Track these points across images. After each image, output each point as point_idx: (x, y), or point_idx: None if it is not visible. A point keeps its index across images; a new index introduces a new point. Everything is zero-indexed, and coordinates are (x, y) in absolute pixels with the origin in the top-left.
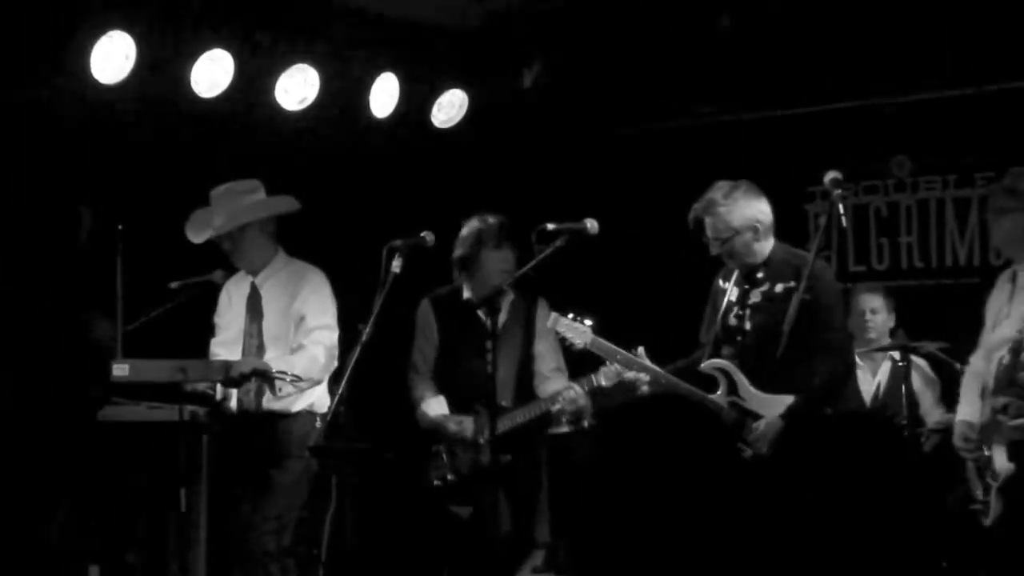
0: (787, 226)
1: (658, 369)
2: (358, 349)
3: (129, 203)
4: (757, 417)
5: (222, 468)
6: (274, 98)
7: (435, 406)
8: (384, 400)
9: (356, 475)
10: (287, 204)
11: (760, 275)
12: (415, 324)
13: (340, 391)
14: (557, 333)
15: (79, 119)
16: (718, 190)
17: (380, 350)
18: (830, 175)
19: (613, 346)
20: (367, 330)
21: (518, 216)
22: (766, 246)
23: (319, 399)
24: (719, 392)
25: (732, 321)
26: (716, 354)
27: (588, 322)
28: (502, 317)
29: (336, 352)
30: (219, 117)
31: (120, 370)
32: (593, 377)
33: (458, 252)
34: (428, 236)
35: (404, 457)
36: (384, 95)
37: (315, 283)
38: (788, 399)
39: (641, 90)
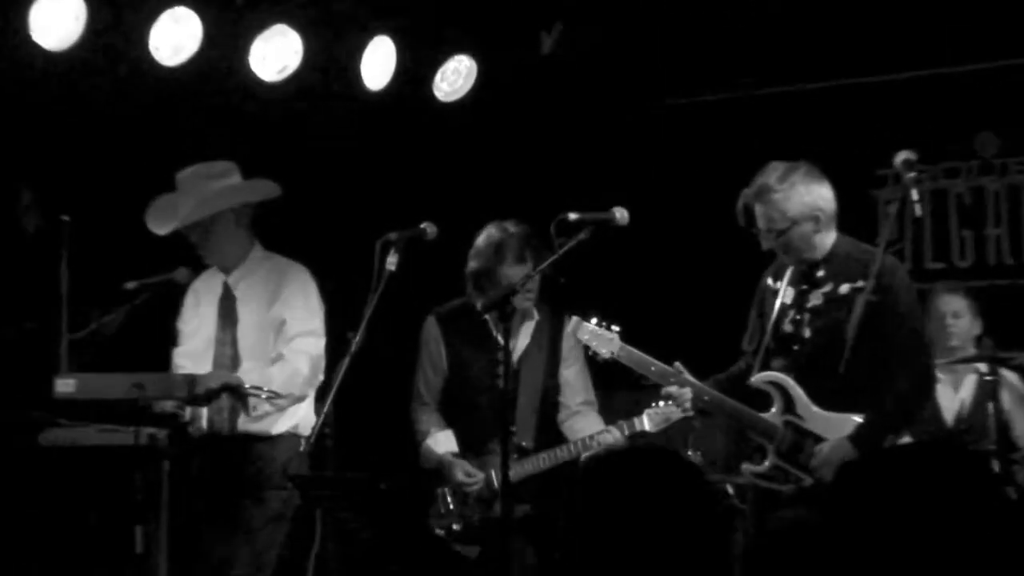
0: (852, 215)
1: (700, 384)
2: (347, 360)
3: (77, 190)
4: (818, 439)
5: (187, 501)
6: (249, 66)
7: (442, 441)
8: (378, 421)
9: (344, 509)
10: (266, 190)
11: (821, 273)
12: (419, 345)
13: (326, 410)
14: (579, 341)
15: (18, 91)
16: (772, 173)
17: (373, 361)
18: (902, 155)
19: (646, 356)
20: (357, 338)
21: (535, 205)
22: (827, 239)
23: (304, 419)
24: (773, 410)
25: (787, 327)
26: (767, 366)
27: (616, 328)
28: (523, 341)
29: (322, 363)
30: (184, 88)
31: (65, 386)
32: (636, 421)
33: (472, 265)
34: (429, 228)
35: (401, 488)
36: (378, 63)
37: (298, 282)
38: (855, 419)
39: (681, 58)
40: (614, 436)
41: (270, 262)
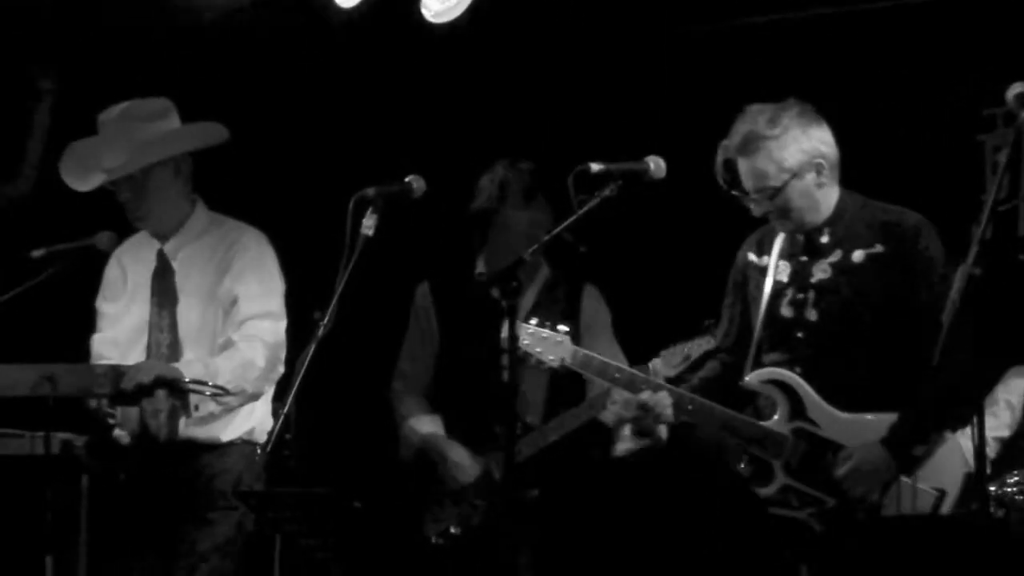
0: (951, 168)
1: (680, 389)
2: (312, 348)
3: None
4: (840, 449)
5: (112, 526)
6: None
7: (427, 423)
8: (351, 423)
9: (309, 534)
10: (212, 134)
11: (825, 239)
12: (409, 315)
13: (286, 410)
14: (519, 349)
15: None
16: (757, 117)
17: (345, 349)
18: (1017, 89)
19: (608, 360)
20: (326, 320)
21: (547, 152)
22: (831, 195)
23: (260, 422)
24: (776, 417)
25: (784, 311)
26: (759, 363)
27: (564, 329)
28: (529, 300)
29: (282, 352)
30: (111, 8)
31: None
32: (651, 366)
33: (474, 205)
34: (415, 182)
35: (379, 507)
36: None
37: (252, 251)
38: (886, 419)
39: None
40: (621, 395)
41: (217, 226)
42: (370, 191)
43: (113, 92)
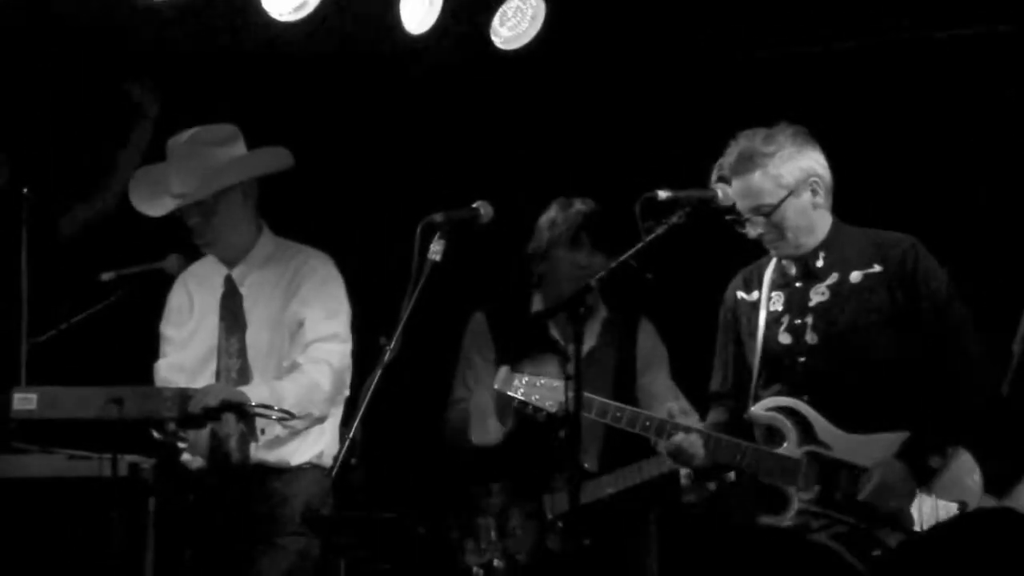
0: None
1: (702, 428)
2: (379, 372)
3: (39, 155)
4: (853, 468)
5: (180, 549)
6: (258, 1)
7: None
8: (416, 448)
9: (374, 558)
10: (279, 159)
11: (820, 263)
12: (462, 345)
13: (352, 434)
14: (513, 400)
15: None
16: (753, 137)
17: (411, 373)
18: None
19: (605, 401)
20: (392, 344)
21: (615, 179)
22: (825, 218)
23: (329, 446)
24: (787, 444)
25: (783, 338)
26: (760, 395)
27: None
28: (589, 342)
29: (348, 376)
30: (174, 28)
31: (24, 401)
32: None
33: (529, 247)
34: (483, 208)
35: (444, 533)
36: (421, 2)
37: (319, 274)
38: (896, 437)
39: None
40: (692, 439)
41: (283, 251)
42: (438, 217)
43: (180, 118)
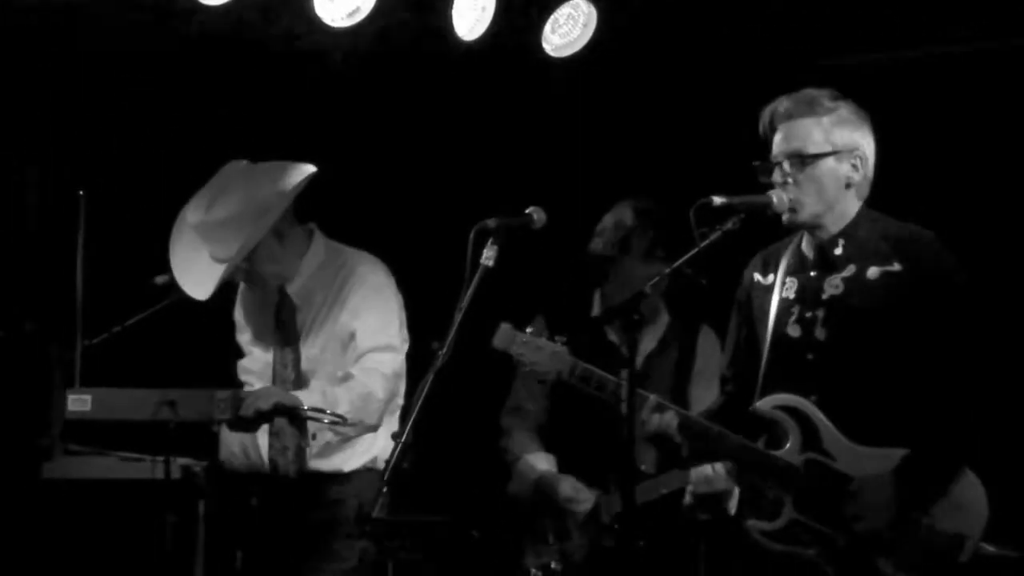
0: None
1: (685, 412)
2: (430, 378)
3: (94, 158)
4: (842, 479)
5: (230, 553)
6: (311, 6)
7: (543, 459)
8: (468, 452)
9: (426, 561)
10: (299, 175)
11: (839, 251)
12: None
13: (404, 438)
14: (512, 357)
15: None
16: (820, 91)
17: (463, 379)
18: None
19: (605, 375)
20: (444, 350)
21: (668, 184)
22: (853, 205)
23: (383, 451)
24: (788, 446)
25: (792, 330)
26: (768, 388)
27: (562, 339)
28: (648, 345)
29: (402, 384)
30: (226, 34)
31: (78, 403)
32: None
33: (592, 248)
34: (536, 214)
35: (497, 536)
36: (473, 7)
37: (370, 283)
38: (900, 454)
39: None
40: (712, 470)
41: (333, 257)
42: (491, 222)
43: (232, 122)
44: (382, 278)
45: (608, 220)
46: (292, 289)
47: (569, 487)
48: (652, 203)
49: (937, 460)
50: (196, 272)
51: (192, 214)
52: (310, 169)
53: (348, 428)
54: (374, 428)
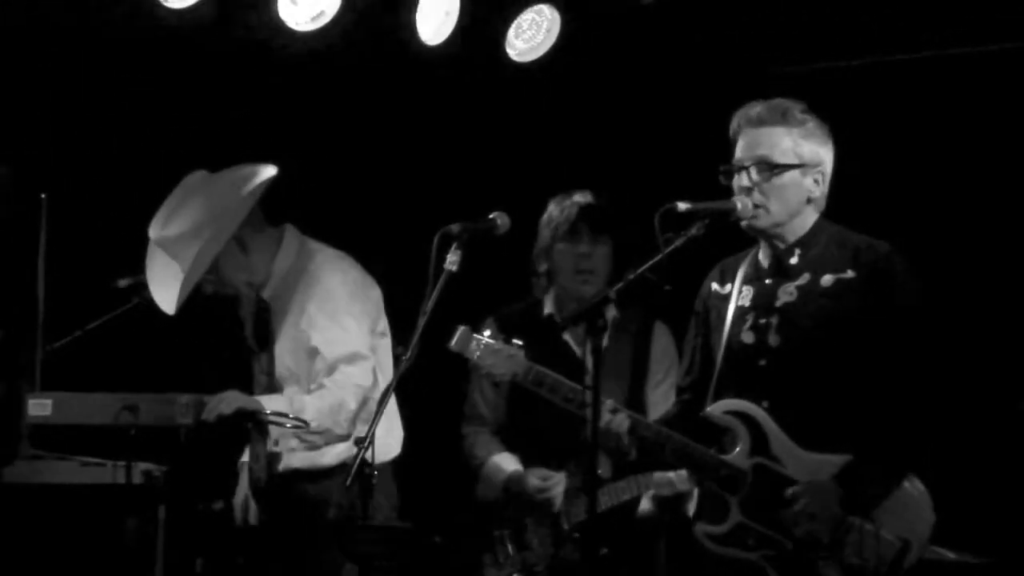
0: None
1: (638, 416)
2: (394, 382)
3: (57, 160)
4: (786, 482)
5: (190, 558)
6: (275, 10)
7: (508, 460)
8: (431, 456)
9: (388, 569)
10: (261, 177)
11: (795, 260)
12: None
13: (367, 442)
14: (468, 360)
15: None
16: (792, 102)
17: (426, 382)
18: None
19: (560, 378)
20: (408, 355)
21: (632, 189)
22: (811, 216)
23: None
24: (737, 450)
25: (746, 337)
26: (721, 394)
27: (518, 343)
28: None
29: (375, 391)
30: (192, 35)
31: (39, 407)
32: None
33: (535, 246)
34: (500, 219)
35: (461, 543)
36: (437, 12)
37: (326, 288)
38: (846, 459)
39: (812, 11)
40: (675, 474)
41: (305, 259)
42: (455, 227)
43: (199, 126)
44: (336, 277)
45: (541, 220)
46: (266, 294)
47: (537, 478)
48: (578, 192)
49: (879, 465)
50: (167, 287)
51: (152, 230)
52: (269, 172)
53: (315, 436)
54: (344, 437)
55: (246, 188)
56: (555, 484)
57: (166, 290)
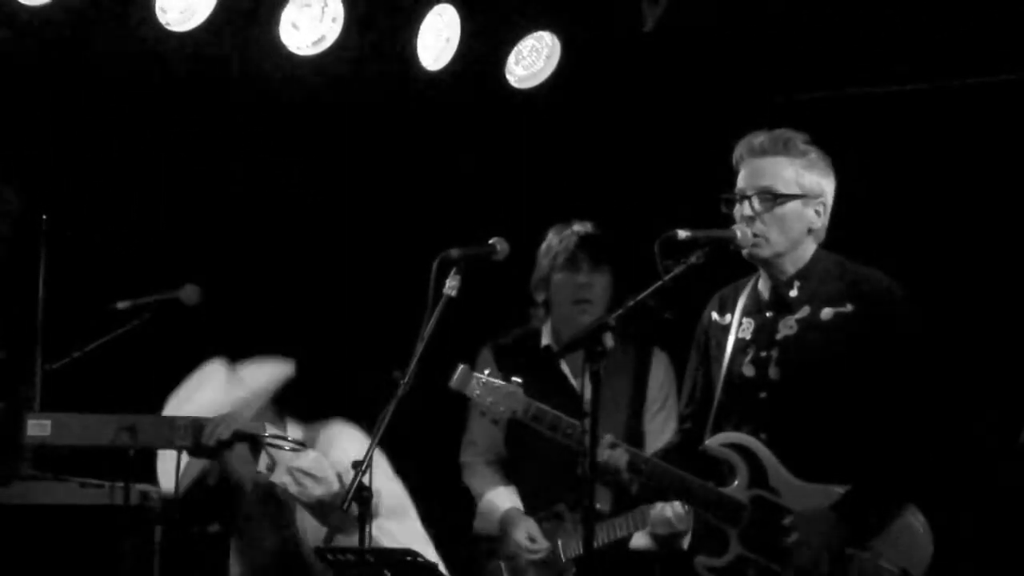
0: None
1: (637, 451)
2: (392, 405)
3: (57, 181)
4: (785, 512)
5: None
6: (277, 35)
7: (505, 495)
8: (429, 480)
9: None
10: (272, 379)
11: (795, 293)
12: None
13: (364, 466)
14: (468, 399)
15: None
16: (793, 132)
17: (424, 407)
18: None
19: (559, 414)
20: (406, 379)
21: (632, 217)
22: (810, 248)
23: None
24: (736, 483)
25: (747, 370)
26: (720, 428)
27: (517, 380)
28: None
29: None
30: (195, 61)
31: (38, 428)
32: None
33: (533, 276)
34: (499, 244)
35: (461, 567)
36: (438, 38)
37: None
38: (843, 490)
39: (813, 42)
40: (673, 511)
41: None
42: (454, 252)
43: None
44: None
45: (539, 250)
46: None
47: (524, 535)
48: (577, 221)
49: (876, 496)
50: (170, 463)
51: (169, 408)
52: (285, 371)
53: (308, 480)
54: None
55: (258, 389)
56: (536, 552)
57: (166, 464)
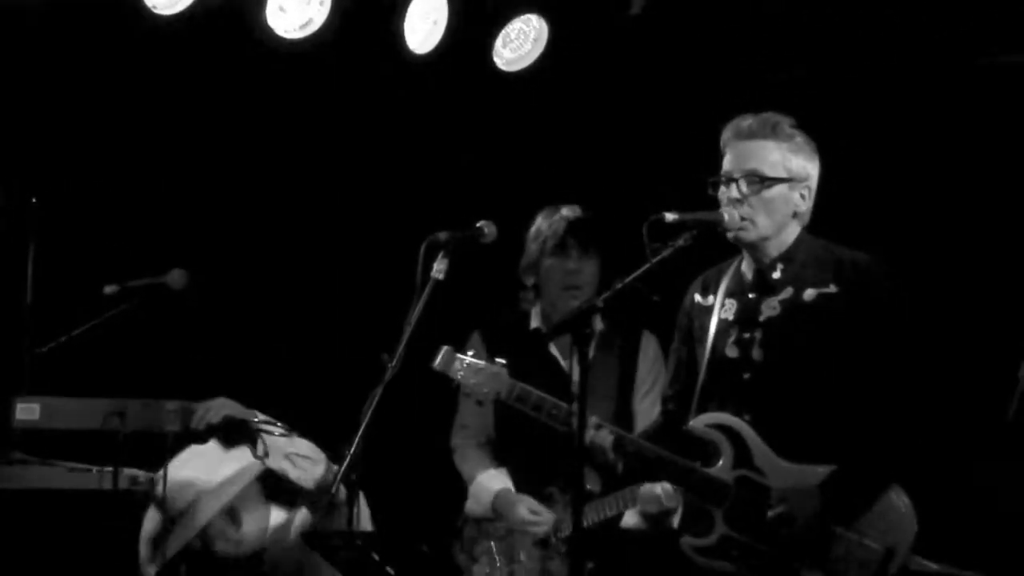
0: None
1: (622, 432)
2: (380, 390)
3: (46, 165)
4: (768, 491)
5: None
6: (263, 19)
7: (496, 477)
8: (418, 464)
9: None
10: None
11: (778, 275)
12: None
13: (353, 448)
14: (452, 380)
15: None
16: (780, 116)
17: (412, 391)
18: None
19: (543, 395)
20: (394, 363)
21: (620, 200)
22: (794, 231)
23: None
24: (720, 464)
25: (730, 351)
26: (704, 409)
27: (501, 361)
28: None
29: None
30: (180, 42)
31: (26, 412)
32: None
33: (523, 260)
34: (487, 227)
35: (448, 552)
36: (425, 21)
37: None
38: (828, 470)
39: (800, 22)
40: (662, 489)
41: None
42: (441, 235)
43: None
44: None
45: (528, 234)
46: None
47: (526, 510)
48: (566, 206)
49: (862, 476)
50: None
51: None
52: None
53: (306, 462)
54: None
55: (243, 474)
56: (543, 523)
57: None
